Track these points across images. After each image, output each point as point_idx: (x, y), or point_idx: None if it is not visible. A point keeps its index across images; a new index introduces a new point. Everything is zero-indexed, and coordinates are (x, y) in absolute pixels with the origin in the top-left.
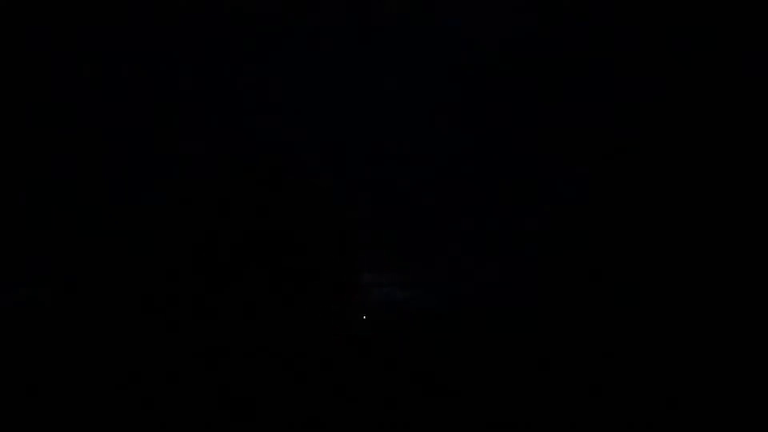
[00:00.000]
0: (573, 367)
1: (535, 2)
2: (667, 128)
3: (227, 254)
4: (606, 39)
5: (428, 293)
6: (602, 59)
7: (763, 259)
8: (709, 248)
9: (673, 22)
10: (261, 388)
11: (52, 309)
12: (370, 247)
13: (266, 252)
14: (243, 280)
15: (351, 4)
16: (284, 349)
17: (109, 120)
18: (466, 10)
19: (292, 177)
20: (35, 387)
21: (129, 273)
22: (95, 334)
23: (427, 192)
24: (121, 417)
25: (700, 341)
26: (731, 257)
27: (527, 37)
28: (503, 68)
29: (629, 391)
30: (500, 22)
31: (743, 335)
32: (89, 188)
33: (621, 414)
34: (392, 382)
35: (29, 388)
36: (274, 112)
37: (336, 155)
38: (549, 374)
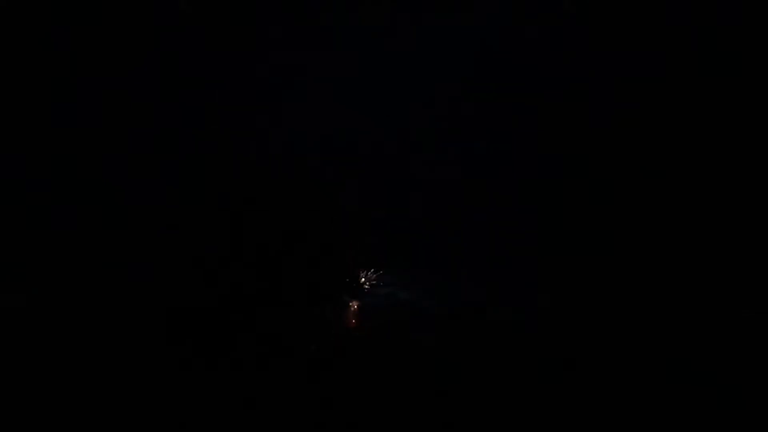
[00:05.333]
0: (575, 369)
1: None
2: (668, 133)
3: (226, 255)
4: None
5: (430, 294)
6: (601, 61)
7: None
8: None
9: (672, 24)
10: (260, 389)
11: (51, 310)
12: (372, 247)
13: (266, 252)
14: (243, 281)
15: (353, 6)
16: (284, 349)
17: (111, 121)
18: (468, 12)
19: (293, 177)
20: (34, 388)
21: (129, 276)
22: (93, 336)
23: (430, 193)
24: (119, 417)
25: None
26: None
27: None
28: (508, 70)
29: (630, 394)
30: (501, 25)
31: (743, 345)
32: (90, 190)
33: (622, 416)
34: (393, 382)
35: (28, 388)
36: (276, 111)
37: (338, 156)
38: (551, 376)
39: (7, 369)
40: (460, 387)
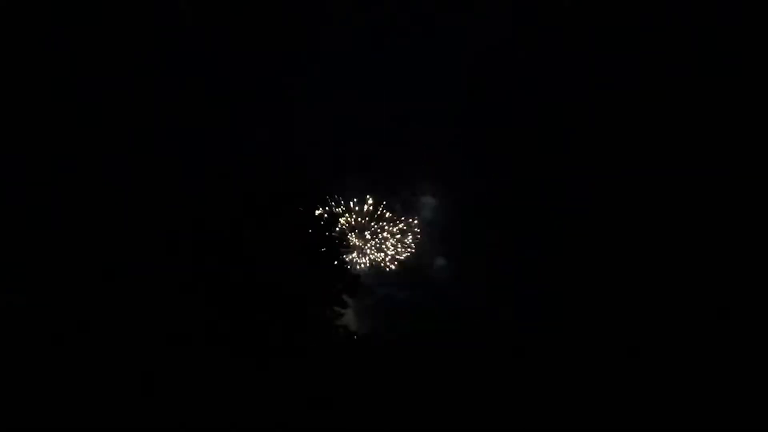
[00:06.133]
0: (574, 368)
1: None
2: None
3: (227, 255)
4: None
5: (428, 294)
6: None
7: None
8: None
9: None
10: (262, 386)
11: (51, 311)
12: (372, 248)
13: (266, 254)
14: (244, 281)
15: (353, 8)
16: (285, 348)
17: (111, 125)
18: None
19: (293, 179)
20: (34, 387)
21: (127, 275)
22: (92, 337)
23: (430, 193)
24: (119, 417)
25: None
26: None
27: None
28: (507, 73)
29: (630, 394)
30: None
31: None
32: (90, 189)
33: (621, 416)
34: (393, 381)
35: (28, 388)
36: (275, 111)
37: (339, 158)
38: (548, 375)
39: (7, 368)
40: (459, 387)
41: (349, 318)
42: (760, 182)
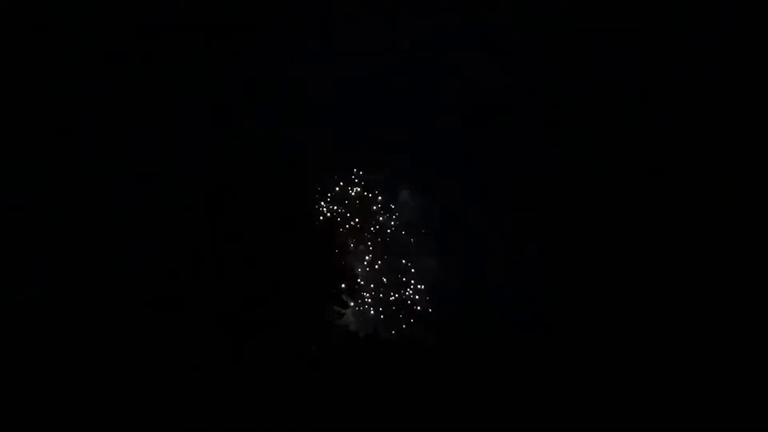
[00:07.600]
0: (574, 369)
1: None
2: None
3: (226, 254)
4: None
5: (430, 295)
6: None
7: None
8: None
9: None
10: (262, 387)
11: (53, 309)
12: (372, 247)
13: (265, 252)
14: (241, 280)
15: (356, 6)
16: (283, 348)
17: (110, 121)
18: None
19: (293, 177)
20: (35, 386)
21: (128, 273)
22: (94, 335)
23: (431, 193)
24: (121, 416)
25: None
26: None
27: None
28: (507, 74)
29: (630, 394)
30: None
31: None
32: (89, 189)
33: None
34: (393, 381)
35: (29, 387)
36: (275, 110)
37: (339, 156)
38: (549, 376)
39: (10, 364)
40: (459, 387)
41: (349, 318)
42: (759, 182)
